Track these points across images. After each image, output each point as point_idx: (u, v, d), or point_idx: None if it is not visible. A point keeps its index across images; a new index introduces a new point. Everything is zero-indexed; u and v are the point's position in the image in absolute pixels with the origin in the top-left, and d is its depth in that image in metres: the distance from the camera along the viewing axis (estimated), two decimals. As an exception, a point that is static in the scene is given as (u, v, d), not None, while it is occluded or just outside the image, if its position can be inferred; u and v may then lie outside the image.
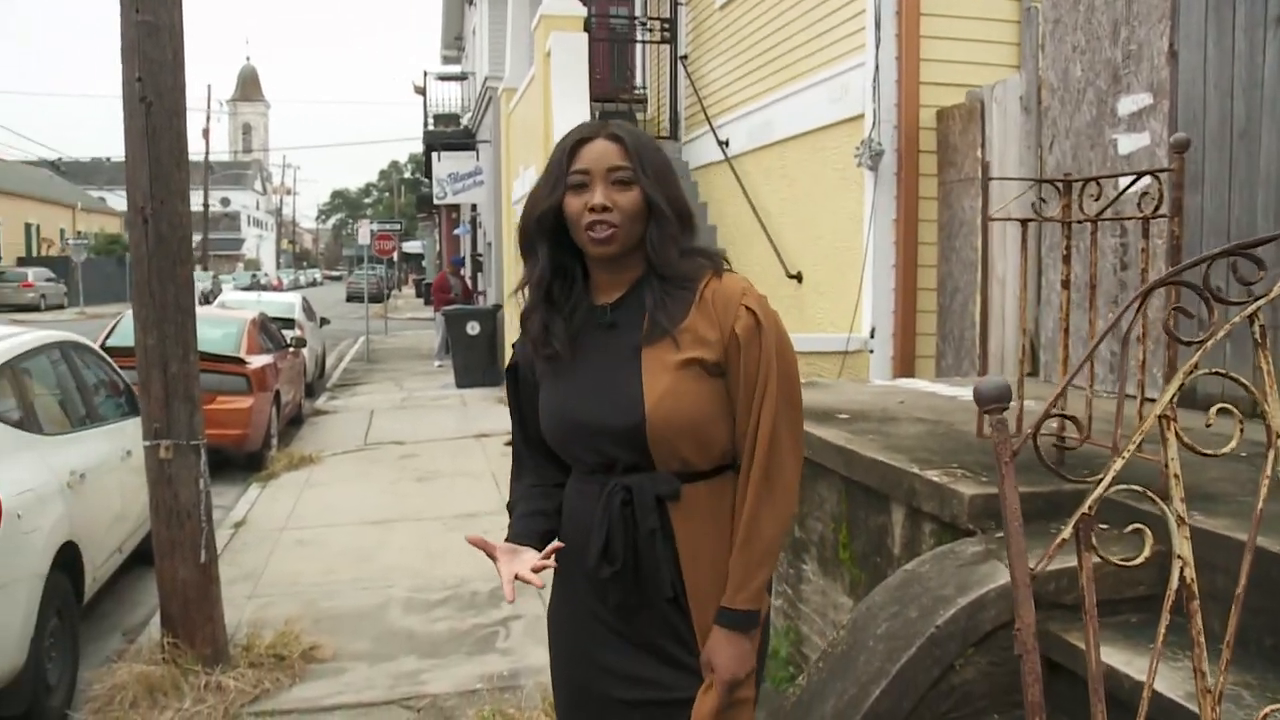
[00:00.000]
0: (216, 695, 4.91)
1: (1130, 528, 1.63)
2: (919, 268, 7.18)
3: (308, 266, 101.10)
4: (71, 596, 5.27)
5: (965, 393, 5.53)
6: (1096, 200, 3.38)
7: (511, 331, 14.85)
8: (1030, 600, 1.57)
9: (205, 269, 55.20)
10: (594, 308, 2.18)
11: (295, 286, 60.35)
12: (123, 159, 5.17)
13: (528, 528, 2.24)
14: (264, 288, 48.21)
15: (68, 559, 5.19)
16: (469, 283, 23.10)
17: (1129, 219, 3.54)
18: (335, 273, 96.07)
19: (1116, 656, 2.58)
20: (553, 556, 2.09)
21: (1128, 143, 5.44)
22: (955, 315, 6.92)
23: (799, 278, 8.50)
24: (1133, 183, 3.36)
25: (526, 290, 2.22)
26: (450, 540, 7.69)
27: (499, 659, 5.45)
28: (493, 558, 2.11)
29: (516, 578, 2.05)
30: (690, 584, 2.12)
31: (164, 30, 4.96)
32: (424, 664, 5.41)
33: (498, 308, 16.87)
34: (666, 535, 2.10)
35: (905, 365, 7.11)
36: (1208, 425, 1.62)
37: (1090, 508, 1.57)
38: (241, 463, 10.66)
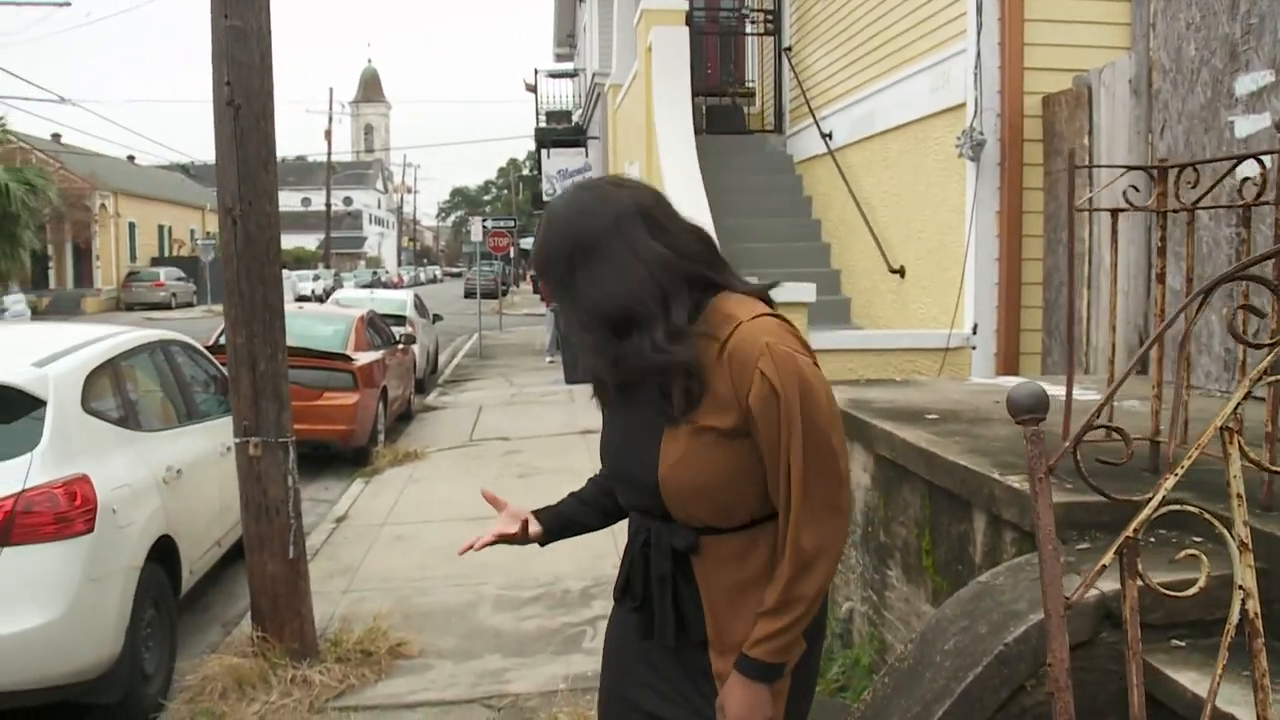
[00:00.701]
0: (302, 689, 4.96)
1: (1183, 554, 1.46)
2: (1024, 261, 6.91)
3: (428, 263, 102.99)
4: (168, 589, 5.38)
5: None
6: (1194, 187, 3.16)
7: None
8: (1064, 633, 1.43)
9: (328, 267, 56.61)
10: None
11: (415, 283, 61.50)
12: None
13: (559, 506, 2.37)
14: (385, 285, 49.18)
15: (164, 552, 5.29)
16: None
17: (1227, 207, 3.31)
18: (455, 269, 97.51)
19: (1187, 674, 2.40)
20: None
21: (1245, 125, 5.13)
22: (1062, 310, 6.64)
23: (901, 272, 8.27)
24: (1234, 166, 3.13)
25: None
26: (545, 538, 7.66)
27: (584, 659, 5.39)
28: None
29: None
30: (714, 631, 2.06)
31: (251, 35, 5.00)
32: (509, 662, 5.39)
33: (606, 303, 16.83)
34: (689, 583, 2.07)
35: (1009, 363, 6.85)
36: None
37: (1135, 531, 1.42)
38: (349, 458, 10.82)
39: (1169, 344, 5.70)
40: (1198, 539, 2.84)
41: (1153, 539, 2.87)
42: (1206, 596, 2.59)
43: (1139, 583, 1.45)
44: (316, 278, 48.37)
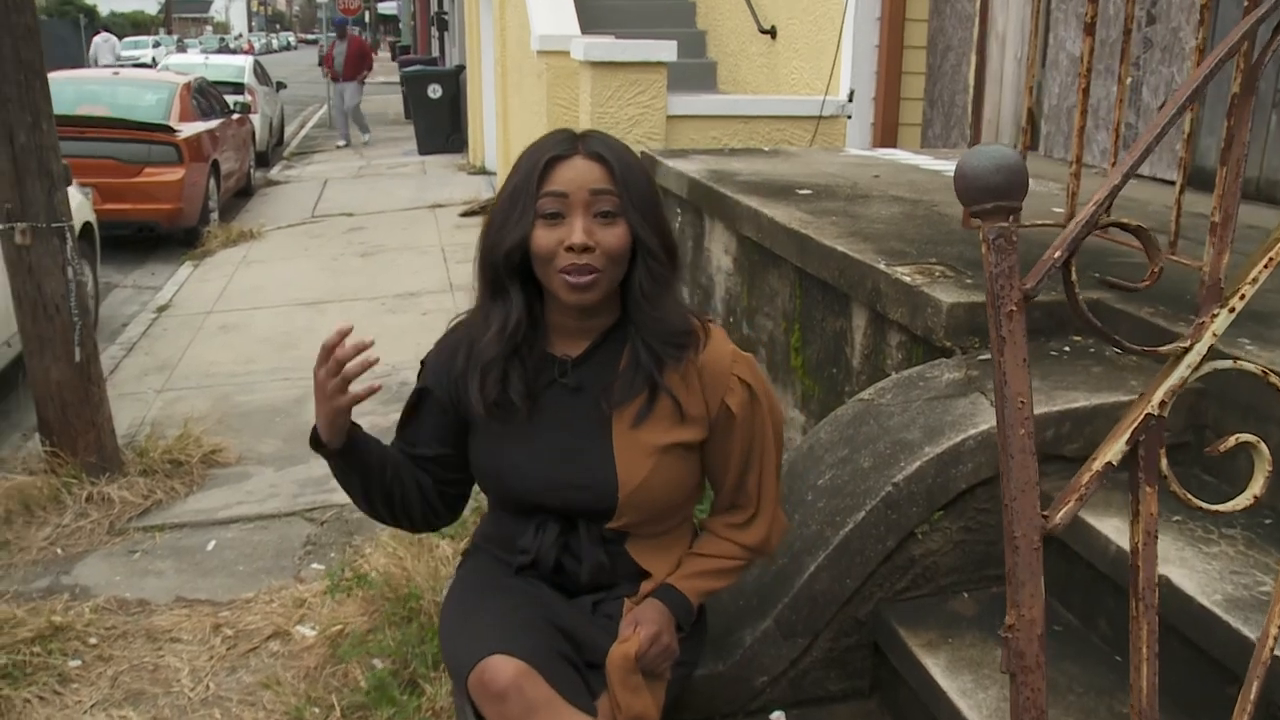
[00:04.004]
0: (101, 508, 4.39)
1: (1236, 439, 0.95)
2: (907, 22, 6.29)
3: (281, 30, 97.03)
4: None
5: (951, 167, 4.79)
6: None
7: (475, 95, 13.86)
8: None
9: (170, 33, 52.73)
10: (550, 358, 1.88)
11: (267, 51, 57.94)
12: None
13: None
14: (234, 52, 46.10)
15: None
16: (367, 45, 20.26)
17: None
18: (311, 36, 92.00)
19: (1109, 521, 1.99)
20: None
21: None
22: (946, 77, 6.09)
23: (772, 33, 7.57)
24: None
25: (480, 325, 1.88)
26: (387, 323, 7.07)
27: (420, 464, 4.90)
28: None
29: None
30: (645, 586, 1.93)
31: None
32: (337, 469, 4.87)
33: (460, 69, 15.80)
34: (621, 560, 1.90)
35: (887, 134, 6.32)
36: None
37: (1163, 406, 0.90)
38: (179, 239, 9.94)
39: (1062, 116, 5.22)
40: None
41: (1067, 348, 2.42)
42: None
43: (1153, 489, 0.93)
44: (157, 44, 44.89)
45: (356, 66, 17.56)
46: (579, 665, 1.81)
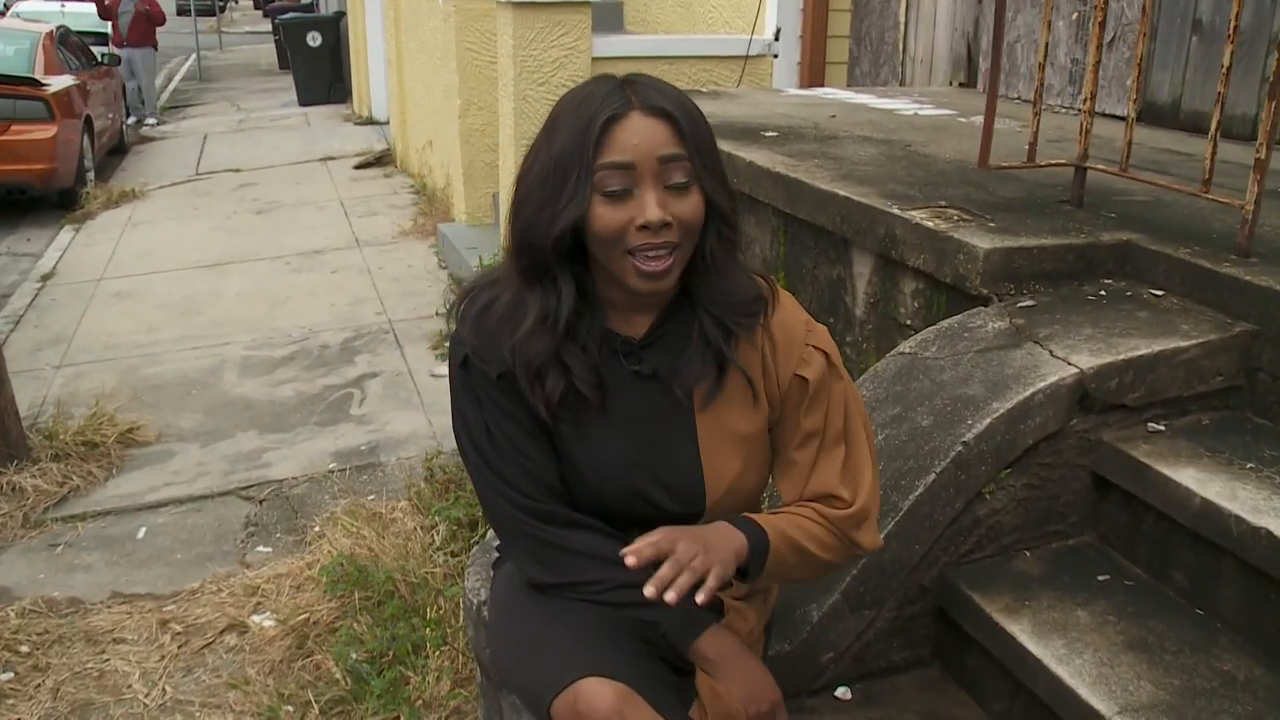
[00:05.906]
0: (12, 499, 4.08)
1: None
2: (832, -44, 6.14)
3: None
4: None
5: (900, 104, 4.67)
6: None
7: (359, 43, 13.33)
8: None
9: (9, -22, 49.85)
10: (612, 336, 1.58)
11: (119, -2, 55.09)
12: None
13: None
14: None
15: None
16: (157, 5, 16.29)
17: None
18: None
19: (1185, 472, 1.89)
20: None
21: None
22: (874, 14, 5.96)
23: (686, -30, 7.35)
24: None
25: (511, 307, 1.55)
26: (295, 282, 6.73)
27: (354, 430, 4.65)
28: None
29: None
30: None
31: None
32: (266, 440, 4.59)
33: (341, 15, 15.18)
34: None
35: (814, 73, 6.18)
36: None
37: None
38: (54, 201, 9.35)
39: (1001, 52, 5.13)
40: (1157, 291, 2.30)
41: (1102, 292, 2.31)
42: (1189, 367, 2.07)
43: None
44: (-6, -10, 42.37)
45: (145, 29, 14.32)
46: (669, 675, 1.55)
